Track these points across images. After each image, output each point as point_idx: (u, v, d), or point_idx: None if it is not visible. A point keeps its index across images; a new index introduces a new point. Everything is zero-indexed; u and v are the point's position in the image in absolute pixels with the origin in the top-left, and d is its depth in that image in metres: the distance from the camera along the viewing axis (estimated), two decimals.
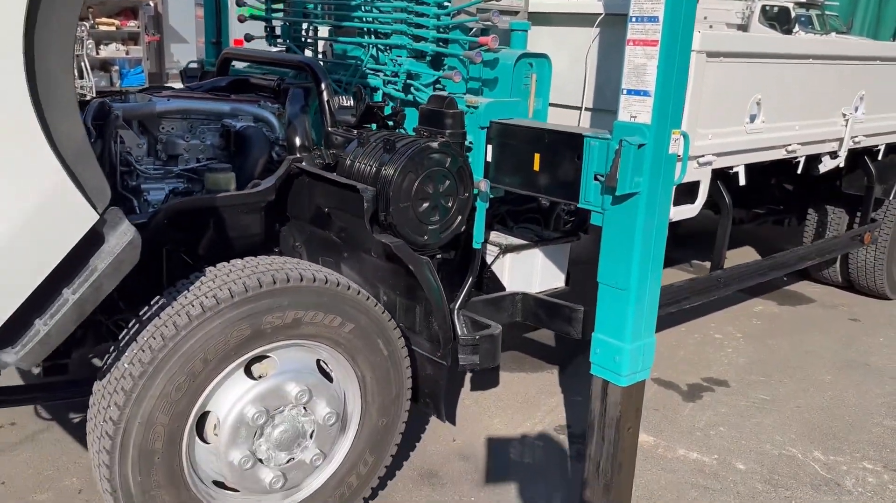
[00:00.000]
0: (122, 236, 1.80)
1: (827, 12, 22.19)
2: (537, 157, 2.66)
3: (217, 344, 2.11)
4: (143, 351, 2.05)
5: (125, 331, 2.12)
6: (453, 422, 2.86)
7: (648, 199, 2.37)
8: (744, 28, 13.84)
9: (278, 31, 3.75)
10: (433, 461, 3.11)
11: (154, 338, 2.05)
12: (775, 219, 5.18)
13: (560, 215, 3.46)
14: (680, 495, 2.97)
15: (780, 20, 18.76)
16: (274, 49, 3.79)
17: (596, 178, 2.45)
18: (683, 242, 5.24)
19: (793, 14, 19.52)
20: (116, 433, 2.04)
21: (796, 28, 19.79)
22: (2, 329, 1.71)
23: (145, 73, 10.94)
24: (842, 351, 4.43)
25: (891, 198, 4.70)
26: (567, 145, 2.55)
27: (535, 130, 2.69)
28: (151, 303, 2.16)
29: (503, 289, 3.16)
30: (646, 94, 2.31)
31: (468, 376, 3.76)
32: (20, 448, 3.05)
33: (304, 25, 3.60)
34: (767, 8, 18.01)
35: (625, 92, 2.36)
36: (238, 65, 3.64)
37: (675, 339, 4.44)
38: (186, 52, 10.72)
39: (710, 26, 8.22)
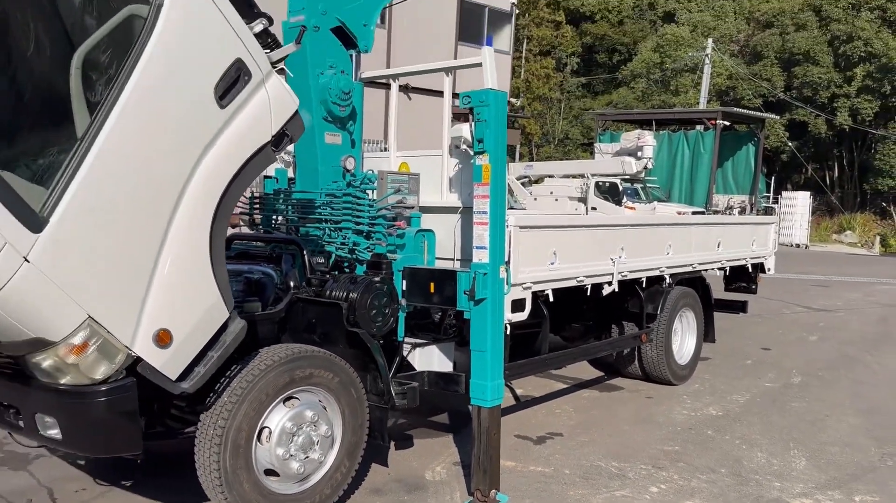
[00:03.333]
0: (238, 324, 3.73)
1: (649, 185, 26.76)
2: (432, 284, 4.80)
3: (272, 386, 3.96)
4: (236, 390, 3.87)
5: (224, 378, 3.93)
6: (388, 444, 4.74)
7: (492, 301, 4.52)
8: (583, 200, 18.26)
9: (257, 220, 5.80)
10: (377, 481, 4.92)
11: (241, 382, 3.89)
12: (593, 335, 7.49)
13: (446, 325, 5.55)
14: (529, 488, 4.93)
15: (611, 192, 23.10)
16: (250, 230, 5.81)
17: (465, 293, 4.59)
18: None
19: (621, 188, 23.92)
20: (221, 436, 3.81)
21: (625, 199, 24.03)
22: (184, 371, 3.54)
23: None
24: (639, 415, 6.63)
25: (659, 312, 7.14)
26: (448, 276, 4.71)
27: (430, 270, 4.85)
28: (233, 366, 3.99)
29: (414, 369, 5.16)
30: (485, 248, 4.53)
31: (392, 448, 5.61)
32: None
33: (279, 218, 5.67)
34: (600, 183, 22.33)
35: (475, 247, 4.57)
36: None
37: (530, 412, 6.50)
38: None
39: (556, 199, 12.51)
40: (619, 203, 19.63)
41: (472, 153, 4.84)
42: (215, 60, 3.50)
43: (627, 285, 6.67)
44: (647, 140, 20.58)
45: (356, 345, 4.54)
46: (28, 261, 2.95)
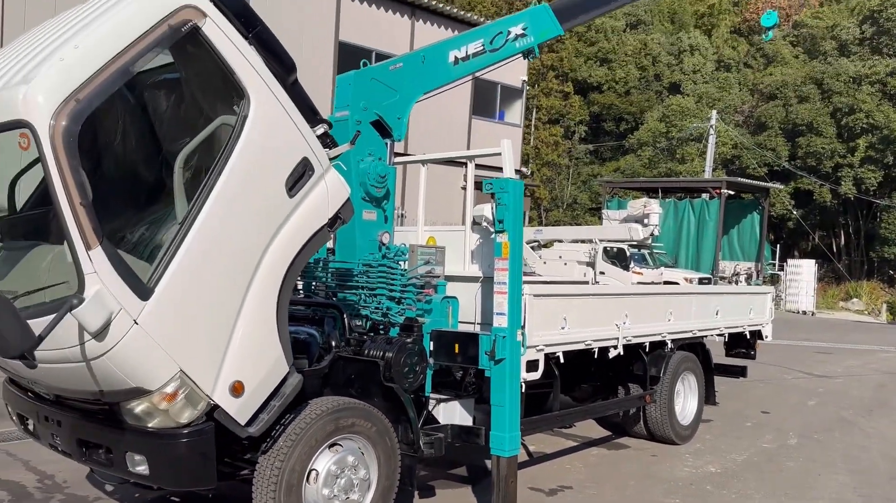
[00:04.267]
0: (296, 378, 4.38)
1: (655, 251, 27.38)
2: (457, 345, 5.45)
3: (321, 433, 4.56)
4: (290, 435, 4.47)
5: (279, 426, 4.53)
6: (415, 490, 5.30)
7: (510, 361, 5.15)
8: (591, 265, 19.11)
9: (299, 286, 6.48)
10: None
11: (295, 429, 4.49)
12: (601, 396, 8.05)
13: (467, 383, 6.16)
14: None
15: (619, 258, 23.78)
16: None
17: (486, 353, 5.22)
18: None
19: (628, 253, 24.54)
20: (278, 476, 4.39)
21: (632, 264, 24.68)
22: (251, 418, 4.16)
23: None
24: (644, 471, 7.14)
25: (662, 375, 7.71)
26: (471, 339, 5.35)
27: (455, 332, 5.50)
28: (287, 414, 4.60)
29: (438, 423, 5.76)
30: (504, 314, 5.18)
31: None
32: None
33: (319, 284, 6.35)
34: (608, 249, 23.06)
35: (496, 313, 5.23)
36: None
37: (543, 467, 7.04)
38: None
39: (565, 264, 13.28)
40: (626, 268, 20.32)
41: (492, 230, 5.57)
42: (287, 159, 4.25)
43: (632, 349, 7.26)
44: (654, 208, 21.40)
45: (390, 398, 5.16)
46: (137, 324, 3.63)
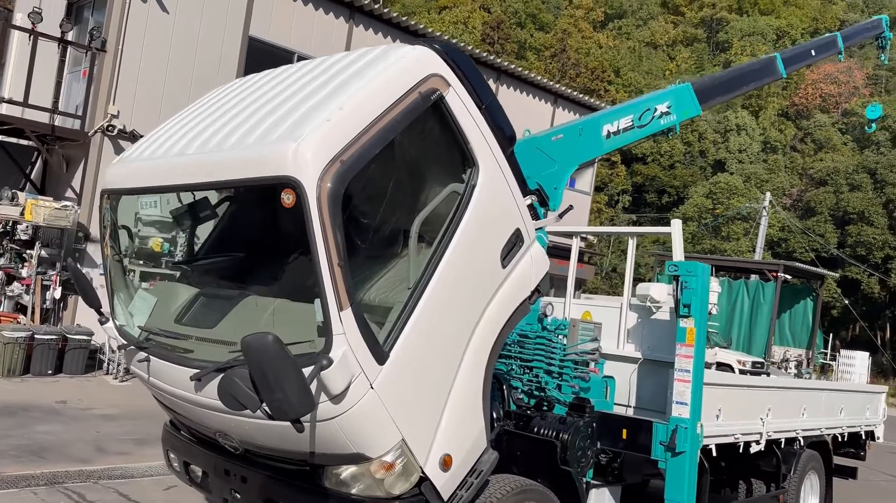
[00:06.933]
0: (492, 454, 4.13)
1: (710, 330, 27.05)
2: (625, 431, 5.17)
3: None
4: None
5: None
6: None
7: (690, 455, 4.87)
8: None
9: None
10: None
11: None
12: (723, 488, 7.66)
13: (611, 469, 5.85)
14: None
15: None
16: None
17: (661, 444, 4.95)
18: None
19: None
20: None
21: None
22: (451, 495, 3.91)
23: None
24: None
25: (791, 473, 7.33)
26: (643, 426, 5.08)
27: (623, 417, 5.24)
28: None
29: None
30: (686, 404, 4.92)
31: None
32: None
33: None
34: None
35: (675, 402, 4.97)
36: None
37: None
38: None
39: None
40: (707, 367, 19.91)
41: (654, 310, 5.35)
42: (504, 229, 4.14)
43: (767, 444, 6.93)
44: (713, 286, 21.08)
45: (555, 481, 4.87)
46: (373, 389, 3.44)
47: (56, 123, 12.55)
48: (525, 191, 4.38)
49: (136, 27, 12.55)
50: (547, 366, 5.56)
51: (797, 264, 28.37)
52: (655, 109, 7.03)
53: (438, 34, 16.70)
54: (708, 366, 5.80)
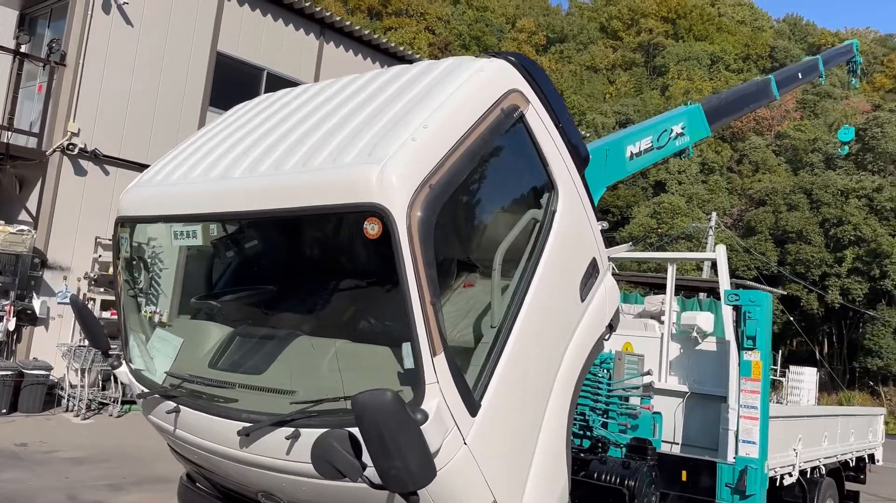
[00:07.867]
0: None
1: None
2: (684, 472, 4.89)
3: None
4: None
5: None
6: None
7: (760, 498, 4.62)
8: None
9: None
10: None
11: None
12: None
13: None
14: None
15: None
16: None
17: (727, 486, 4.68)
18: None
19: None
20: None
21: None
22: None
23: None
24: None
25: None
26: (706, 467, 4.81)
27: (683, 458, 4.96)
28: None
29: None
30: (754, 443, 4.67)
31: None
32: None
33: None
34: None
35: (742, 441, 4.71)
36: None
37: None
38: None
39: None
40: None
41: (700, 340, 5.11)
42: (582, 260, 3.80)
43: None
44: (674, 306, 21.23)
45: None
46: (466, 444, 3.03)
47: (9, 141, 11.68)
48: (596, 214, 4.06)
49: (98, 40, 11.82)
50: (593, 404, 5.25)
51: (747, 282, 28.97)
52: (672, 130, 6.96)
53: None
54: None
